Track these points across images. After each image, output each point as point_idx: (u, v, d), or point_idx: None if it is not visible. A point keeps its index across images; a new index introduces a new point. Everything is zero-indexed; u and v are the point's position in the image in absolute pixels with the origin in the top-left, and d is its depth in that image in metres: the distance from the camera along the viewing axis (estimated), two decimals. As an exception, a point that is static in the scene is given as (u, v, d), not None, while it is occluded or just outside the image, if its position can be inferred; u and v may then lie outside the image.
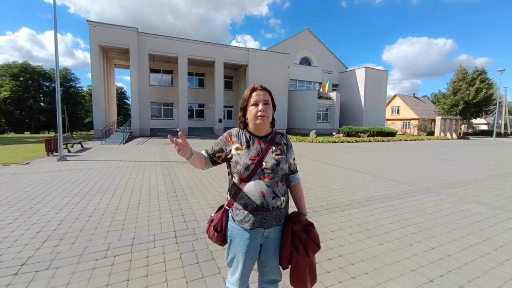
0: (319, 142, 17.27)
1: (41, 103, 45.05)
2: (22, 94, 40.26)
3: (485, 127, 47.16)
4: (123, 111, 43.77)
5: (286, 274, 1.50)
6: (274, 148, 1.40)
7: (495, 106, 30.35)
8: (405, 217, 3.72)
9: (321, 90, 28.62)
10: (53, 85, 43.95)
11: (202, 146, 13.38)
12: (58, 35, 8.89)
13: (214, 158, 1.43)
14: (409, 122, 40.44)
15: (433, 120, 36.85)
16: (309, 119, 27.05)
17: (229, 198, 1.42)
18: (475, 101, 29.57)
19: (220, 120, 23.26)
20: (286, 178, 1.48)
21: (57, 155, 8.83)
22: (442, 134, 26.70)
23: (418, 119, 39.19)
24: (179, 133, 1.25)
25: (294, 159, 1.53)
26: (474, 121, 37.86)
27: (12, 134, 37.37)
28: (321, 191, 5.02)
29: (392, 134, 22.56)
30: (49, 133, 42.20)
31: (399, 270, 2.37)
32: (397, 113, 43.39)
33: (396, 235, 3.12)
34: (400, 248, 2.79)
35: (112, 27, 18.70)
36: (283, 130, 16.97)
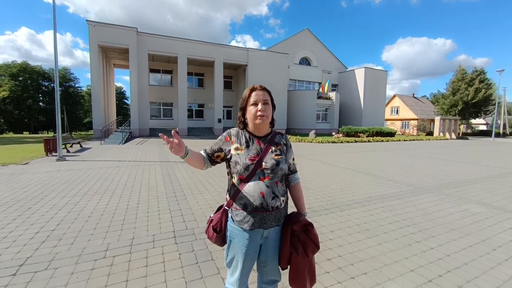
0: (319, 142, 17.28)
1: (40, 103, 45.00)
2: (21, 94, 40.19)
3: (484, 127, 47.25)
4: (123, 111, 43.72)
5: (285, 274, 1.50)
6: (273, 148, 1.40)
7: (494, 106, 30.41)
8: (404, 217, 3.73)
9: (320, 90, 28.65)
10: (52, 85, 43.89)
11: (202, 146, 13.37)
12: (58, 34, 8.87)
13: (213, 158, 1.43)
14: (408, 122, 40.49)
15: (432, 120, 36.91)
16: (309, 119, 27.07)
17: (228, 198, 1.42)
18: (474, 101, 29.64)
19: (219, 120, 23.26)
20: (286, 178, 1.48)
21: (56, 155, 8.81)
22: (441, 134, 26.75)
23: (417, 119, 39.25)
24: (173, 131, 1.25)
25: (293, 159, 1.53)
26: (473, 121, 37.92)
27: (11, 134, 37.30)
28: (321, 191, 5.03)
29: (391, 134, 22.59)
30: (48, 133, 42.12)
31: (398, 270, 2.37)
32: (397, 113, 43.45)
33: (395, 235, 3.12)
34: (399, 248, 2.79)
35: (112, 26, 18.68)
36: (283, 130, 16.98)
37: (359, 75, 30.58)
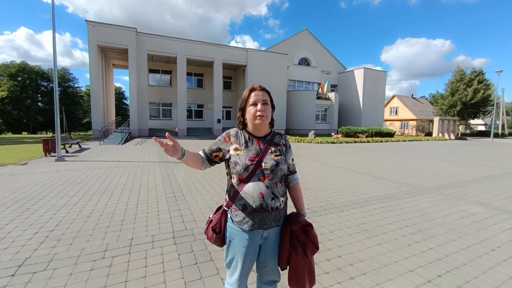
0: (318, 142, 17.29)
1: (39, 103, 44.93)
2: (20, 94, 40.12)
3: (482, 128, 47.38)
4: (122, 111, 43.69)
5: (284, 274, 1.50)
6: (273, 148, 1.40)
7: (492, 107, 30.54)
8: (403, 217, 3.73)
9: (319, 90, 28.68)
10: (51, 85, 43.83)
11: (201, 146, 13.30)
12: (57, 34, 8.85)
13: (211, 158, 1.43)
14: (407, 123, 40.57)
15: (431, 121, 37.01)
16: (308, 120, 27.10)
17: (227, 199, 1.42)
18: (472, 102, 29.74)
19: (219, 121, 23.25)
20: (285, 179, 1.48)
21: (55, 156, 8.79)
22: (440, 134, 26.82)
23: (416, 119, 39.33)
24: (166, 133, 1.25)
25: (293, 159, 1.53)
26: (471, 121, 38.09)
27: (10, 135, 37.20)
28: (320, 192, 5.03)
29: (390, 134, 22.63)
30: (47, 134, 42.00)
31: (397, 270, 2.37)
32: (396, 113, 43.53)
33: (395, 235, 3.12)
34: (399, 248, 2.80)
35: (111, 27, 18.67)
36: (282, 131, 17.00)
37: (358, 75, 30.64)
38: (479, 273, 2.34)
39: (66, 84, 47.10)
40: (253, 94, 1.36)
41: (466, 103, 30.13)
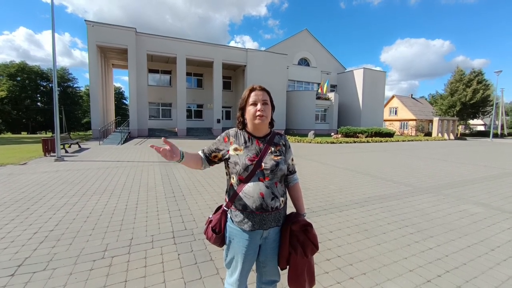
0: (318, 142, 17.30)
1: (38, 103, 44.86)
2: (19, 94, 40.05)
3: (482, 128, 47.45)
4: (121, 111, 43.65)
5: (284, 274, 1.50)
6: (273, 149, 1.40)
7: (492, 107, 30.59)
8: (403, 217, 3.74)
9: (319, 90, 28.68)
10: (50, 85, 43.75)
11: (200, 146, 13.31)
12: (56, 34, 8.84)
13: (210, 158, 1.43)
14: (407, 123, 40.61)
15: (431, 121, 37.06)
16: (308, 120, 27.10)
17: (227, 199, 1.42)
18: (472, 102, 29.79)
19: (218, 121, 23.25)
20: (285, 179, 1.48)
21: (55, 156, 8.78)
22: (440, 134, 26.85)
23: (415, 119, 39.37)
24: (162, 138, 1.25)
25: (292, 159, 1.53)
26: (471, 122, 38.12)
27: (9, 134, 37.15)
28: (320, 192, 5.03)
29: (390, 134, 22.65)
30: (46, 133, 41.96)
31: (397, 270, 2.37)
32: (395, 113, 43.57)
33: (394, 235, 3.13)
34: (398, 248, 2.80)
35: (110, 27, 18.64)
36: (282, 131, 16.99)
37: (358, 75, 30.66)
38: (479, 273, 2.34)
39: (66, 84, 47.03)
40: (253, 94, 1.36)
41: (466, 103, 30.17)
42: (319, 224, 3.40)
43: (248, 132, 1.42)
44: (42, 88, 44.67)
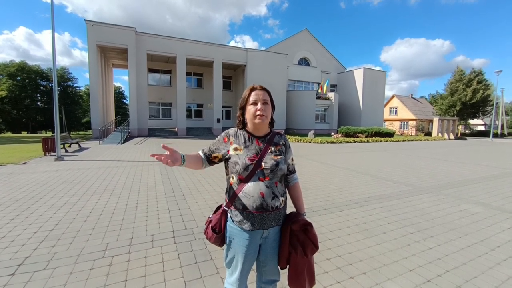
0: (318, 142, 17.30)
1: (38, 103, 44.83)
2: (19, 93, 40.02)
3: (482, 128, 47.43)
4: (121, 111, 43.62)
5: (284, 274, 1.50)
6: (273, 148, 1.39)
7: (492, 107, 30.58)
8: (403, 217, 3.74)
9: (319, 90, 28.68)
10: (50, 84, 43.73)
11: (200, 146, 13.34)
12: (56, 34, 8.84)
13: (211, 158, 1.43)
14: (407, 123, 40.61)
15: (431, 121, 37.06)
16: (308, 120, 27.10)
17: (227, 199, 1.41)
18: (472, 102, 29.77)
19: (218, 120, 23.25)
20: (285, 179, 1.48)
21: (55, 155, 8.78)
22: (440, 134, 26.84)
23: (416, 119, 39.37)
24: (161, 144, 1.24)
25: (292, 159, 1.52)
26: (471, 121, 38.10)
27: (9, 134, 37.15)
28: (320, 191, 5.03)
29: (390, 134, 22.64)
30: (46, 133, 41.96)
31: (397, 270, 2.37)
32: (395, 113, 43.57)
33: (394, 235, 3.13)
34: (398, 248, 2.80)
35: (110, 26, 18.64)
36: (282, 131, 16.98)
37: (358, 75, 30.66)
38: (479, 273, 2.35)
39: (66, 83, 47.00)
40: (253, 93, 1.36)
41: (466, 103, 30.16)
42: (319, 224, 3.40)
43: (248, 132, 1.42)
44: (42, 87, 44.64)
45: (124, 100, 54.44)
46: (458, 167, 8.25)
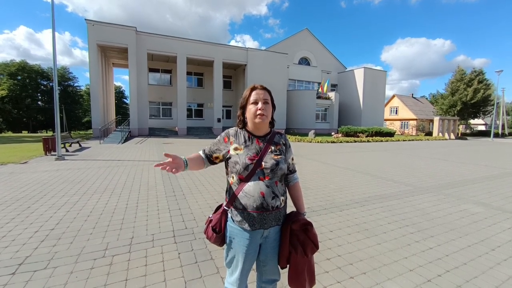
0: (318, 142, 17.29)
1: (39, 102, 44.88)
2: (20, 93, 40.06)
3: (483, 128, 47.38)
4: (122, 111, 43.68)
5: (284, 274, 1.50)
6: (273, 148, 1.39)
7: (492, 107, 30.53)
8: (403, 217, 3.74)
9: (320, 90, 28.66)
10: (51, 84, 43.78)
11: (201, 145, 13.36)
12: (56, 33, 8.84)
13: (212, 159, 1.43)
14: (407, 123, 40.56)
15: (431, 121, 37.01)
16: (308, 119, 27.08)
17: (228, 198, 1.42)
18: (473, 101, 29.72)
19: (219, 120, 23.25)
20: (285, 178, 1.48)
21: (55, 155, 8.79)
22: (440, 134, 26.81)
23: (416, 119, 39.32)
24: (164, 153, 1.25)
25: (292, 159, 1.52)
26: (472, 121, 38.06)
27: (10, 133, 37.20)
28: (320, 191, 5.03)
29: (390, 134, 22.62)
30: (47, 132, 42.01)
31: (397, 270, 2.37)
32: (396, 113, 43.52)
33: (395, 235, 3.13)
34: (399, 248, 2.80)
35: (111, 26, 18.64)
36: (282, 130, 16.97)
37: (359, 75, 30.62)
38: (479, 273, 2.34)
39: (66, 83, 47.05)
40: (254, 93, 1.36)
41: (466, 103, 30.11)
42: (319, 224, 3.40)
43: (248, 131, 1.42)
44: (42, 87, 44.68)
45: (125, 100, 54.46)
46: (459, 167, 8.24)
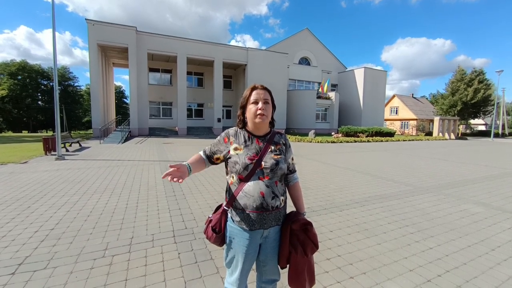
0: (318, 142, 17.28)
1: (39, 102, 44.85)
2: (20, 92, 40.05)
3: (483, 128, 47.35)
4: (122, 110, 43.67)
5: (284, 274, 1.50)
6: (273, 147, 1.39)
7: (493, 107, 30.51)
8: (403, 217, 3.73)
9: (320, 90, 28.65)
10: (51, 83, 43.77)
11: (201, 145, 13.37)
12: (56, 33, 8.84)
13: (213, 160, 1.44)
14: (407, 122, 40.55)
15: (432, 121, 36.99)
16: (308, 119, 27.08)
17: (227, 198, 1.41)
18: (473, 101, 29.71)
19: (219, 120, 23.25)
20: (285, 178, 1.48)
21: (55, 154, 8.79)
22: (441, 134, 26.80)
23: (416, 119, 39.31)
24: (168, 165, 1.26)
25: (292, 159, 1.52)
26: (472, 121, 38.05)
27: (10, 133, 37.22)
28: (320, 191, 5.03)
29: (390, 134, 22.61)
30: (47, 132, 42.02)
31: (397, 270, 2.37)
32: (396, 113, 43.51)
33: (395, 235, 3.12)
34: (398, 248, 2.80)
35: (111, 25, 18.63)
36: (282, 130, 16.97)
37: (359, 75, 30.61)
38: (479, 273, 2.34)
39: (66, 83, 47.03)
40: (254, 92, 1.36)
41: (467, 103, 30.10)
42: (319, 224, 3.40)
43: (248, 131, 1.42)
44: (43, 86, 44.67)
45: (125, 100, 54.44)
46: (459, 167, 8.24)
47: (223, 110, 24.81)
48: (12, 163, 7.67)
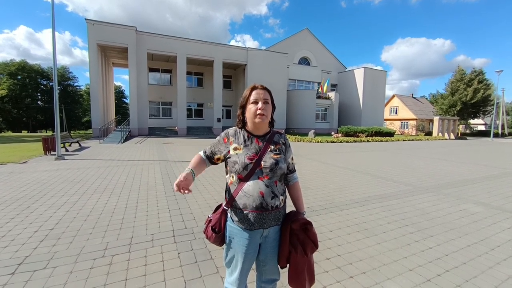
0: (318, 142, 17.29)
1: (39, 102, 44.82)
2: (20, 92, 40.01)
3: (482, 128, 47.39)
4: (122, 110, 43.65)
5: (284, 273, 1.50)
6: (272, 147, 1.39)
7: (492, 107, 30.55)
8: (403, 216, 3.74)
9: (319, 90, 28.66)
10: (51, 83, 43.71)
11: (201, 145, 13.37)
12: (56, 33, 8.84)
13: (213, 160, 1.44)
14: (407, 122, 40.57)
15: (431, 121, 37.01)
16: (308, 119, 27.08)
17: (227, 198, 1.41)
18: (473, 101, 29.74)
19: (218, 120, 23.24)
20: (284, 178, 1.48)
21: (55, 154, 8.78)
22: (440, 134, 26.82)
23: (416, 119, 39.33)
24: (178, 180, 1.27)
25: (292, 158, 1.52)
26: (471, 121, 38.07)
27: (9, 133, 37.18)
28: (320, 191, 5.03)
29: (390, 134, 22.63)
30: (46, 132, 41.98)
31: (397, 269, 2.37)
32: (396, 113, 43.52)
33: (394, 234, 3.13)
34: (398, 247, 2.80)
35: (111, 25, 18.62)
36: (282, 130, 16.97)
37: (359, 75, 30.62)
38: (479, 273, 2.35)
39: (66, 82, 47.00)
40: (254, 92, 1.36)
41: (466, 103, 30.13)
42: (319, 223, 3.40)
43: (247, 131, 1.42)
44: (42, 86, 44.63)
45: (125, 99, 54.40)
46: (458, 167, 8.24)
47: (223, 110, 24.80)
48: (11, 163, 7.66)
